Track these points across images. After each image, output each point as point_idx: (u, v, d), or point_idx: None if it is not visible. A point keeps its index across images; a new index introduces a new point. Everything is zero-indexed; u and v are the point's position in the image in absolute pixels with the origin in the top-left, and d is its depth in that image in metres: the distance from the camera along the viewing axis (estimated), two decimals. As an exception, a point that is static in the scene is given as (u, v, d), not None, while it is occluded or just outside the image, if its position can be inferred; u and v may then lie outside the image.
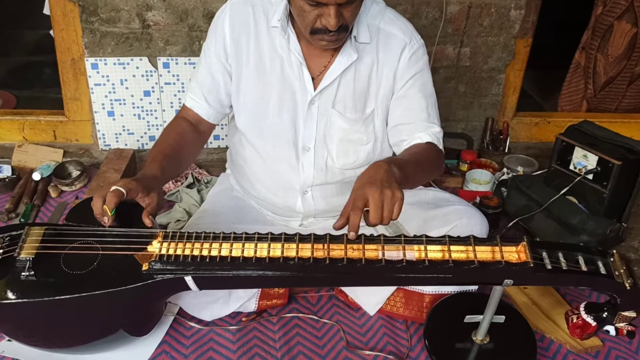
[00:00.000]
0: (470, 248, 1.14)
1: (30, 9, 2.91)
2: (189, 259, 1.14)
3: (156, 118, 2.13)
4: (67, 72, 2.04)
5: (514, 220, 1.86)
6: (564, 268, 1.12)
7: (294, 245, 1.15)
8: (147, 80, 2.05)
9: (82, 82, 2.05)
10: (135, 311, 1.22)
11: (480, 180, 2.12)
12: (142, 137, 2.16)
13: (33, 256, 1.14)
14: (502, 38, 2.15)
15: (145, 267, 1.13)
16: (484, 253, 1.14)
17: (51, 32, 1.99)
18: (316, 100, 1.37)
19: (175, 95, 2.09)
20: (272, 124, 1.40)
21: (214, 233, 1.18)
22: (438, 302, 1.46)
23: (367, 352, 1.41)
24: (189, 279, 1.15)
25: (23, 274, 1.13)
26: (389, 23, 1.37)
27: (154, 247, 1.17)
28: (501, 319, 1.35)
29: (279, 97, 1.38)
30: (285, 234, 1.18)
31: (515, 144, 2.37)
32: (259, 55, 1.37)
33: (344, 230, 1.11)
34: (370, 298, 1.50)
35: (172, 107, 2.11)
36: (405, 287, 1.47)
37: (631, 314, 1.18)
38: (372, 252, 1.14)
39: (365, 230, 1.16)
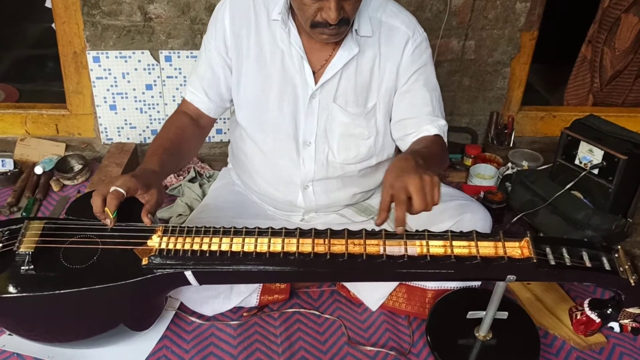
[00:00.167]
0: (473, 243, 1.13)
1: (32, 2, 2.90)
2: (189, 253, 1.14)
3: (158, 112, 2.12)
4: (69, 65, 2.03)
5: (518, 216, 1.85)
6: (568, 264, 1.11)
7: (294, 240, 1.15)
8: (149, 73, 2.04)
9: (84, 75, 2.04)
10: (135, 305, 1.22)
11: (485, 174, 2.11)
12: (144, 131, 2.15)
13: (32, 250, 1.14)
14: (508, 31, 2.12)
15: (144, 261, 1.13)
16: (486, 248, 1.13)
17: (53, 25, 1.98)
18: (317, 94, 1.36)
19: (177, 88, 2.08)
20: (272, 118, 1.39)
21: (213, 227, 1.18)
22: (440, 297, 1.45)
23: (369, 348, 1.41)
24: (188, 274, 1.15)
25: (22, 267, 1.13)
26: (391, 16, 1.35)
27: (154, 242, 1.17)
28: (504, 315, 1.33)
29: (279, 90, 1.36)
30: (286, 228, 1.17)
31: (520, 139, 2.35)
32: (260, 49, 1.35)
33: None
34: (373, 293, 1.50)
35: (174, 100, 2.10)
36: (407, 283, 1.46)
37: (636, 310, 1.17)
38: (374, 247, 1.13)
39: (367, 225, 1.15)
